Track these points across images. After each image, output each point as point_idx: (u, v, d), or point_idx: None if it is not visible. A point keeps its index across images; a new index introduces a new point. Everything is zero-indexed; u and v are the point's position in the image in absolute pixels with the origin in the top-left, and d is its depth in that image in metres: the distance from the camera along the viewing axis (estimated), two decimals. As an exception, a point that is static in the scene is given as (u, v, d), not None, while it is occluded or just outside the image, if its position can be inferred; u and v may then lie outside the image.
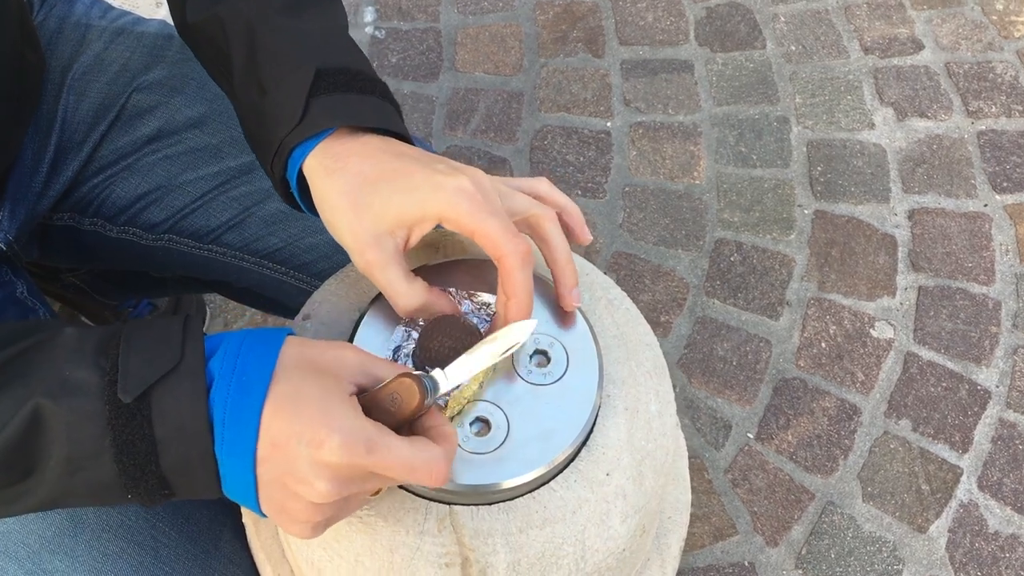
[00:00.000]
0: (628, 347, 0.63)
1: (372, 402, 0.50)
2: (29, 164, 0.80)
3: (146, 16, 0.93)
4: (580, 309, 0.62)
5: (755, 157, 1.62)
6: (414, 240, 0.56)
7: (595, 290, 0.66)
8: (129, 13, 0.91)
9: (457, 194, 0.54)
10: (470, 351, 0.55)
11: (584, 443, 0.58)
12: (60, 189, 0.83)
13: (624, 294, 0.67)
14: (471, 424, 0.57)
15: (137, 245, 0.85)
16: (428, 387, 0.51)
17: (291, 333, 0.52)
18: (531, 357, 0.59)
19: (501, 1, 1.79)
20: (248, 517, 0.70)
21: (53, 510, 0.51)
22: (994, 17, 1.82)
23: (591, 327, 0.61)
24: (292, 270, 0.83)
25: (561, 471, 0.58)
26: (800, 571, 1.25)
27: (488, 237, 0.53)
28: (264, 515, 0.50)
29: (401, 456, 0.48)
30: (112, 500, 0.49)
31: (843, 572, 1.25)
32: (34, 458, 0.47)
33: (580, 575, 0.57)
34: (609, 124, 1.64)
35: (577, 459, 0.58)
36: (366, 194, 0.55)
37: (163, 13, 1.68)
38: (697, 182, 1.58)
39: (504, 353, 0.55)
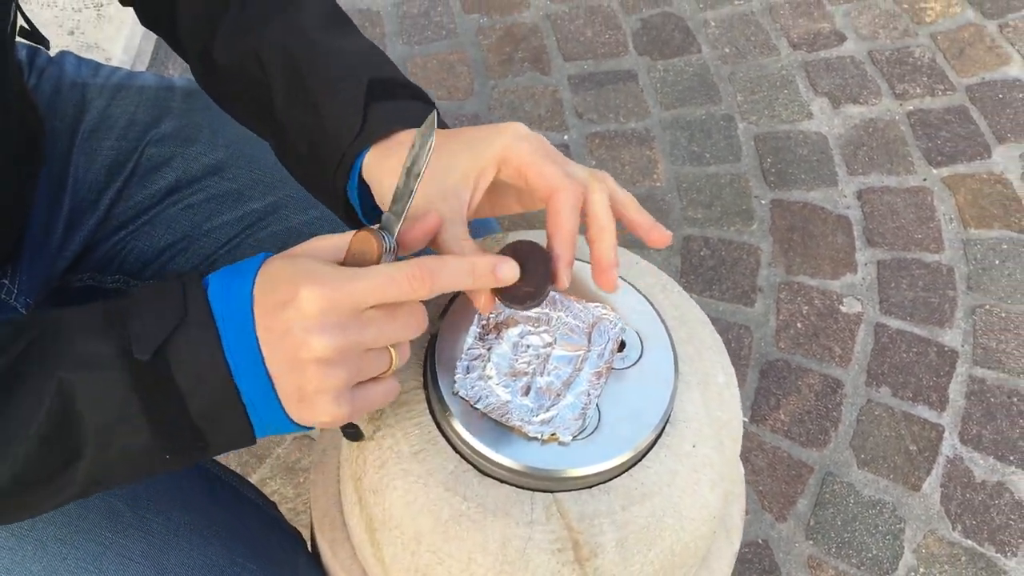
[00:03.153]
0: (689, 326, 0.66)
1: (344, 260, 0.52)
2: (42, 226, 0.79)
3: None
4: (644, 294, 0.65)
5: (708, 155, 1.68)
6: (478, 196, 0.57)
7: (647, 276, 0.69)
8: (119, 68, 0.91)
9: (517, 137, 0.56)
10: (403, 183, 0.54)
11: (668, 419, 0.61)
12: (77, 249, 0.82)
13: (672, 279, 0.70)
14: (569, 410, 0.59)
15: None
16: (384, 236, 0.52)
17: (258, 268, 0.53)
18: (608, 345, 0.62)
19: (444, 29, 1.83)
20: (324, 545, 0.71)
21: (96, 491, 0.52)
22: (905, 6, 1.94)
23: (657, 310, 0.64)
24: None
25: (651, 448, 0.60)
26: (811, 542, 1.30)
27: (543, 175, 0.55)
28: (298, 425, 0.51)
29: (378, 275, 0.48)
30: (150, 467, 0.50)
31: (851, 538, 1.30)
32: (71, 433, 0.48)
33: (680, 545, 0.60)
34: (566, 137, 1.69)
35: (664, 435, 0.61)
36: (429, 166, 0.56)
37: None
38: (658, 184, 1.64)
39: (422, 157, 0.53)
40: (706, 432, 0.62)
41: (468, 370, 0.60)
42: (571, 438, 0.58)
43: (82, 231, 0.82)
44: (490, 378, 0.60)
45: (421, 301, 0.52)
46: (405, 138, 0.59)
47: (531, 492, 0.58)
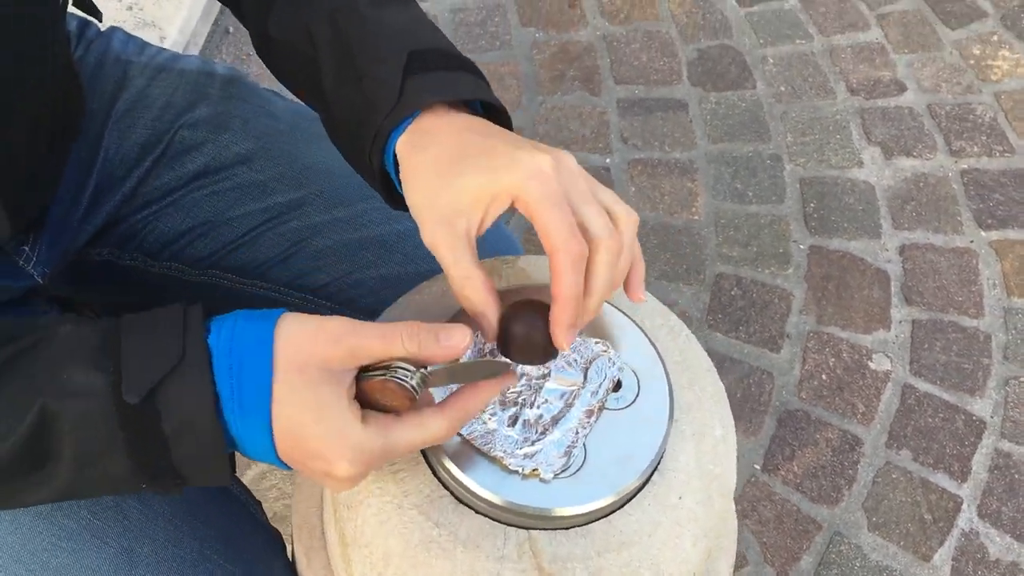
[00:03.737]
0: (692, 373, 0.64)
1: (368, 390, 0.51)
2: (69, 199, 0.80)
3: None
4: (648, 335, 0.63)
5: (751, 193, 1.65)
6: (488, 220, 0.55)
7: (655, 317, 0.67)
8: (165, 50, 0.92)
9: (533, 174, 0.52)
10: (461, 362, 0.54)
11: (656, 467, 0.59)
12: (99, 224, 0.82)
13: (681, 322, 0.68)
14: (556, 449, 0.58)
15: (178, 280, 0.85)
16: (415, 389, 0.51)
17: (281, 313, 0.51)
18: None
19: (499, 40, 1.82)
20: (300, 551, 0.70)
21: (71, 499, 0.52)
22: (971, 61, 1.89)
23: (660, 353, 0.62)
24: (337, 305, 0.83)
25: (635, 495, 0.58)
26: (811, 601, 1.26)
27: (546, 227, 0.52)
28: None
29: (408, 444, 0.51)
30: (127, 491, 0.50)
31: (852, 602, 1.26)
32: (46, 454, 0.47)
33: (654, 599, 0.58)
34: (608, 160, 1.67)
35: (650, 483, 0.59)
36: (447, 171, 0.54)
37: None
38: (696, 217, 1.61)
39: (485, 398, 0.54)
40: (695, 485, 0.59)
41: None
42: (552, 476, 0.57)
43: (107, 206, 0.82)
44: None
45: None
46: (434, 126, 0.57)
47: (506, 527, 0.57)
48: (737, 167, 1.68)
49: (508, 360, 0.54)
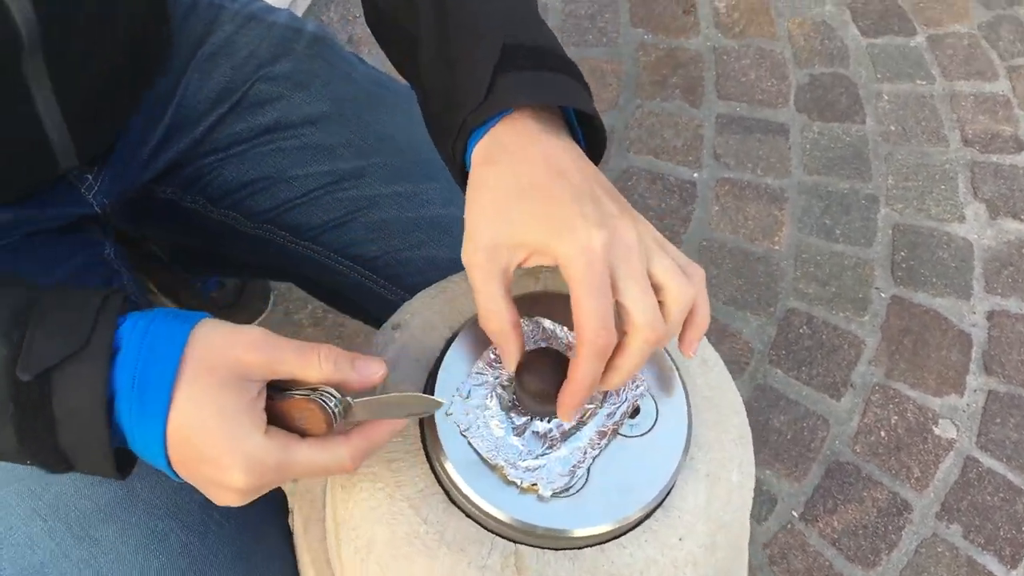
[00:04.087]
0: (717, 411, 0.61)
1: (285, 409, 0.50)
2: (139, 135, 0.81)
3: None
4: (677, 365, 0.60)
5: (839, 232, 1.59)
6: (529, 264, 0.54)
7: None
8: (258, 0, 0.92)
9: (581, 252, 0.50)
10: (389, 394, 0.53)
11: (661, 503, 0.57)
12: (165, 163, 0.83)
13: (718, 356, 0.65)
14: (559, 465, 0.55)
15: (234, 230, 0.85)
16: (335, 413, 0.50)
17: (202, 317, 0.50)
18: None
19: (606, 37, 1.79)
20: (298, 520, 0.69)
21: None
22: (1103, 129, 1.77)
23: (685, 386, 0.59)
24: (383, 279, 0.82)
25: (633, 528, 0.56)
26: (827, 662, 1.21)
27: (578, 312, 0.51)
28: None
29: (307, 464, 0.49)
30: (16, 461, 0.50)
31: (871, 671, 1.21)
32: None
33: (636, 640, 0.55)
34: (696, 175, 1.63)
35: (651, 518, 0.56)
36: (505, 203, 0.53)
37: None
38: (777, 247, 1.56)
39: (409, 414, 0.54)
40: (699, 528, 0.56)
41: (469, 395, 0.57)
42: (551, 494, 0.54)
43: (175, 147, 0.83)
44: (488, 408, 0.57)
45: None
46: (512, 141, 0.55)
47: (494, 536, 0.55)
48: (830, 202, 1.62)
49: (437, 399, 0.53)
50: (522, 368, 0.55)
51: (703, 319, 0.55)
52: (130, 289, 0.79)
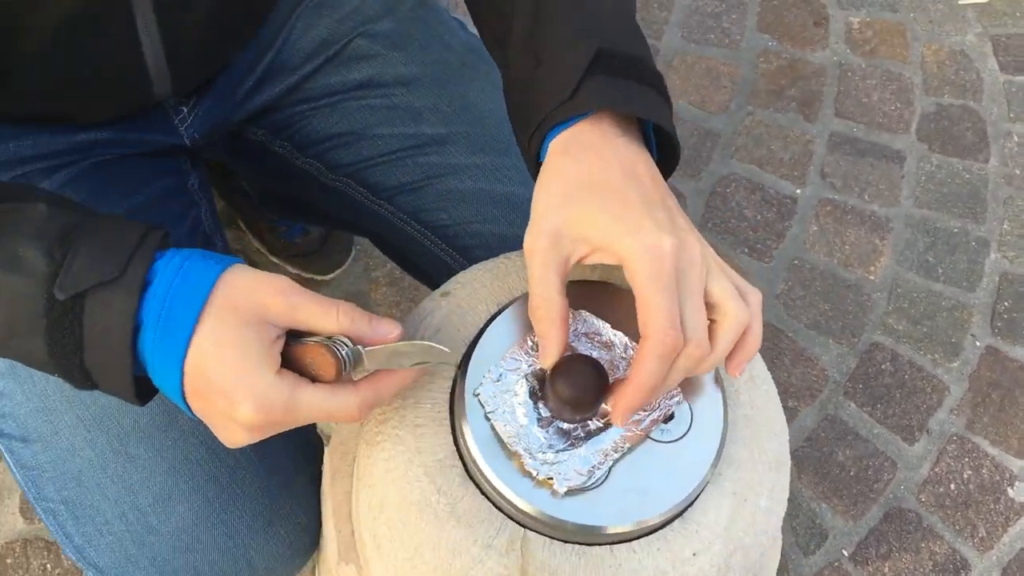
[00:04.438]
0: (756, 430, 0.59)
1: (298, 355, 0.51)
2: (237, 75, 0.82)
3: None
4: (723, 376, 0.58)
5: (941, 271, 1.51)
6: (590, 261, 0.53)
7: (740, 361, 0.61)
8: None
9: (648, 251, 0.50)
10: (398, 343, 0.52)
11: (680, 514, 0.55)
12: (258, 105, 0.85)
13: (769, 375, 0.62)
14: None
15: (315, 180, 0.87)
16: (346, 360, 0.51)
17: (236, 262, 0.52)
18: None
19: (728, 38, 1.74)
20: (327, 471, 0.70)
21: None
22: None
23: (725, 398, 0.57)
24: (452, 249, 0.82)
25: (648, 534, 0.54)
26: None
27: (647, 310, 0.50)
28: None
29: (315, 408, 0.50)
30: (45, 370, 0.51)
31: None
32: None
33: (632, 648, 0.54)
34: (798, 191, 1.57)
35: (668, 527, 0.55)
36: (577, 194, 0.53)
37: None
38: (871, 278, 1.50)
39: (419, 363, 0.53)
40: (716, 548, 0.55)
41: (499, 378, 0.56)
42: (566, 490, 0.53)
43: (270, 91, 0.85)
44: (516, 395, 0.56)
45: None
46: (592, 140, 0.55)
47: (505, 517, 0.54)
48: (936, 239, 1.54)
49: (445, 349, 0.52)
50: (557, 371, 0.53)
51: (754, 342, 0.54)
52: (207, 221, 0.81)
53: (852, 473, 1.33)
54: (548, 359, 0.54)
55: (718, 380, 0.58)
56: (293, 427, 0.51)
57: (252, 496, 0.68)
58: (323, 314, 0.50)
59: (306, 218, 1.19)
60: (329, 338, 0.50)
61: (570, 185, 0.53)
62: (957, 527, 1.30)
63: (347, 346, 0.50)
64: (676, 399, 0.56)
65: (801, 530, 1.28)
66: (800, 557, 1.26)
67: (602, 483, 0.54)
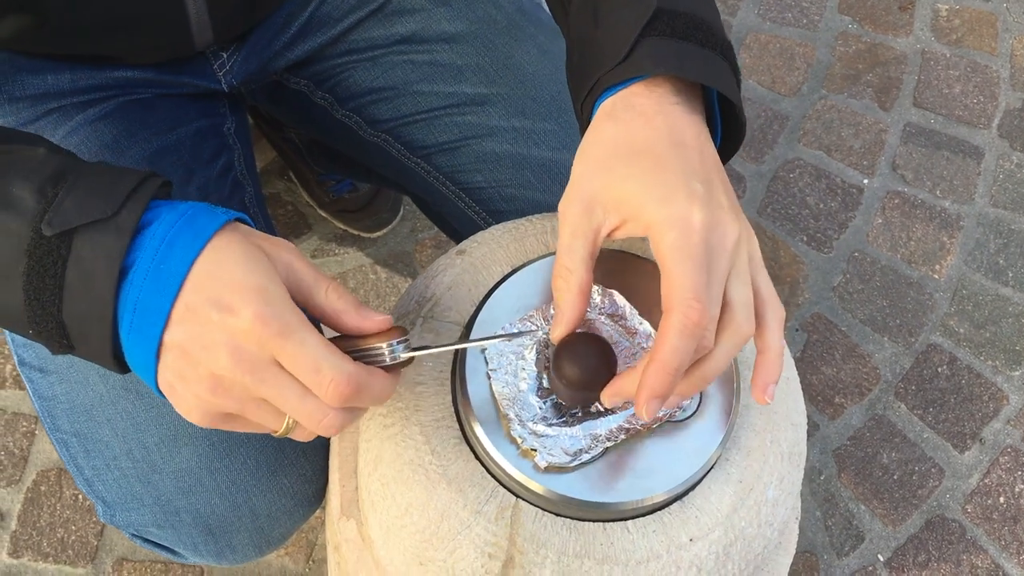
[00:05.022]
0: (771, 419, 0.56)
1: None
2: (280, 23, 0.81)
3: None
4: (737, 360, 0.55)
5: (1011, 275, 1.44)
6: (620, 235, 0.50)
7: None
8: None
9: (676, 221, 0.46)
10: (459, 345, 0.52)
11: (680, 497, 0.53)
12: (299, 55, 0.84)
13: (792, 362, 0.59)
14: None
15: (355, 133, 0.86)
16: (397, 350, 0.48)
17: (238, 218, 0.48)
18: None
19: (806, 18, 1.68)
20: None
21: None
22: None
23: (738, 383, 0.55)
24: (485, 212, 0.80)
25: (644, 515, 0.52)
26: None
27: (670, 280, 0.46)
28: (159, 391, 0.47)
29: (311, 353, 0.45)
30: (18, 330, 0.48)
31: None
32: None
33: (619, 629, 0.52)
34: (866, 181, 1.51)
35: (666, 510, 0.52)
36: (615, 159, 0.50)
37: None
38: (936, 276, 1.43)
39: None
40: (715, 536, 0.52)
41: (510, 338, 0.54)
42: (545, 466, 0.51)
43: (312, 41, 0.84)
44: (523, 359, 0.54)
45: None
46: (643, 104, 0.51)
47: (497, 484, 0.53)
48: (1008, 241, 1.47)
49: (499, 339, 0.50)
50: (563, 347, 0.50)
51: (775, 364, 0.49)
52: (239, 166, 0.81)
53: (896, 477, 1.28)
54: (556, 332, 0.50)
55: (735, 363, 0.55)
56: (271, 380, 0.45)
57: (257, 444, 0.68)
58: (315, 282, 0.48)
59: (350, 173, 1.19)
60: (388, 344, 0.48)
61: (609, 150, 0.51)
62: (1003, 542, 1.24)
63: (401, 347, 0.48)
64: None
65: (836, 530, 1.24)
66: (833, 558, 1.22)
67: (600, 457, 0.52)
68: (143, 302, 0.45)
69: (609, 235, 0.50)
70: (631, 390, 0.48)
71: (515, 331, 0.53)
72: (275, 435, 0.49)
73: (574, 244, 0.50)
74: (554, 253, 0.58)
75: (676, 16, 0.53)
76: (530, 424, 0.52)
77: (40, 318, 0.46)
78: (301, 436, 0.49)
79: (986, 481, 1.28)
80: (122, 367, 0.48)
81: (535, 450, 0.51)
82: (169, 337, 0.45)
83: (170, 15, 0.70)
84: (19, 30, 0.66)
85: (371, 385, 0.46)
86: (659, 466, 0.52)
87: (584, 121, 0.56)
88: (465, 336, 0.55)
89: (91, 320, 0.46)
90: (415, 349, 0.49)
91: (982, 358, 1.37)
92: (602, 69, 0.53)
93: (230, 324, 0.44)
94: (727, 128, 0.56)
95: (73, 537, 1.16)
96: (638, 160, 0.49)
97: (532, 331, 0.53)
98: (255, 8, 0.78)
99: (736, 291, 0.48)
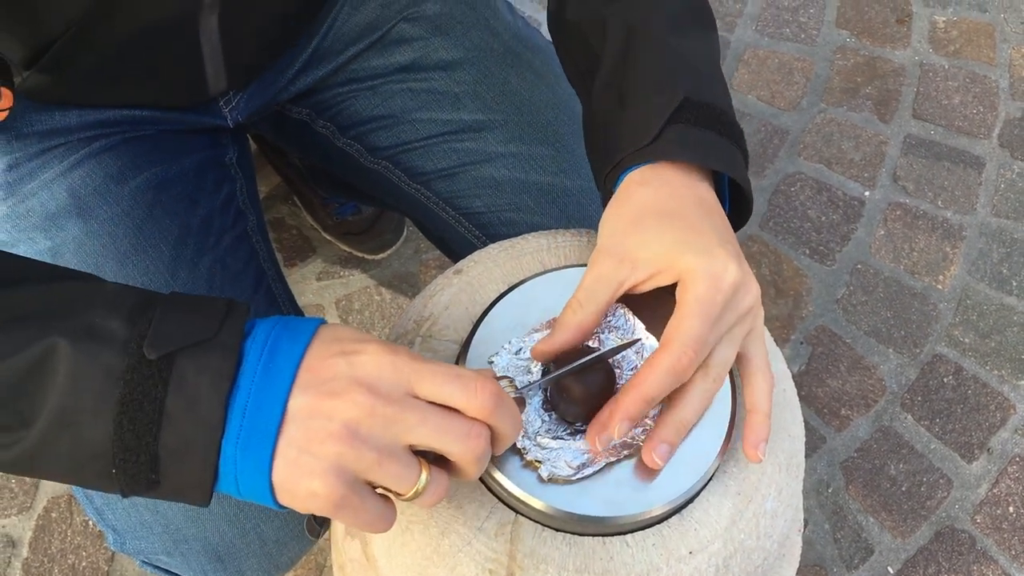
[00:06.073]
0: (769, 431, 0.56)
1: None
2: (285, 62, 0.83)
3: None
4: (733, 371, 0.56)
5: (1015, 284, 1.44)
6: (644, 288, 0.54)
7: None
8: None
9: (710, 275, 0.51)
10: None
11: (678, 510, 0.53)
12: (302, 87, 0.85)
13: (788, 374, 0.60)
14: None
15: (356, 161, 0.87)
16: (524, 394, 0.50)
17: (323, 322, 0.47)
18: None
19: (804, 33, 1.69)
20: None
21: (25, 473, 0.46)
22: None
23: (736, 394, 0.55)
24: (485, 236, 0.81)
25: (642, 528, 0.52)
26: None
27: (680, 325, 0.50)
28: (278, 504, 0.44)
29: (447, 368, 0.44)
30: (91, 473, 0.44)
31: None
32: (29, 402, 0.42)
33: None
34: (867, 194, 1.51)
35: (665, 523, 0.53)
36: (647, 219, 0.54)
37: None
38: (939, 287, 1.43)
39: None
40: (714, 547, 0.53)
41: (519, 352, 0.55)
42: (548, 478, 0.52)
43: (315, 73, 0.85)
44: (530, 373, 0.54)
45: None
46: (671, 175, 0.55)
47: (497, 500, 0.53)
48: (1011, 250, 1.47)
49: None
50: (563, 365, 0.52)
51: (762, 426, 0.53)
52: (241, 196, 0.82)
53: (904, 488, 1.27)
54: (539, 351, 0.53)
55: (731, 374, 0.55)
56: (411, 406, 0.44)
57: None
58: (457, 383, 0.45)
59: (356, 196, 1.20)
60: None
61: (641, 211, 0.54)
62: (1013, 552, 1.23)
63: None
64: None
65: (845, 543, 1.23)
66: (843, 571, 1.22)
67: (599, 472, 0.52)
68: (253, 402, 0.43)
69: (632, 288, 0.54)
70: (628, 413, 0.51)
71: (619, 344, 0.54)
72: (402, 499, 0.45)
73: (595, 288, 0.53)
74: (551, 270, 0.59)
75: (700, 107, 0.57)
76: (532, 433, 0.52)
77: (131, 450, 0.42)
78: (428, 500, 0.45)
79: (995, 491, 1.28)
80: (208, 497, 0.44)
81: (540, 462, 0.51)
82: (292, 406, 0.43)
83: (187, 66, 0.72)
84: (41, 84, 0.68)
85: (507, 399, 0.46)
86: (657, 479, 0.52)
87: (607, 189, 0.59)
88: (464, 354, 0.56)
89: (194, 445, 0.42)
90: (518, 390, 0.52)
91: (988, 368, 1.37)
92: (629, 148, 0.56)
93: (361, 361, 0.43)
94: (734, 205, 0.61)
95: (84, 563, 1.16)
96: (671, 220, 0.53)
97: (637, 340, 0.55)
98: (267, 54, 0.79)
99: (723, 350, 0.52)
